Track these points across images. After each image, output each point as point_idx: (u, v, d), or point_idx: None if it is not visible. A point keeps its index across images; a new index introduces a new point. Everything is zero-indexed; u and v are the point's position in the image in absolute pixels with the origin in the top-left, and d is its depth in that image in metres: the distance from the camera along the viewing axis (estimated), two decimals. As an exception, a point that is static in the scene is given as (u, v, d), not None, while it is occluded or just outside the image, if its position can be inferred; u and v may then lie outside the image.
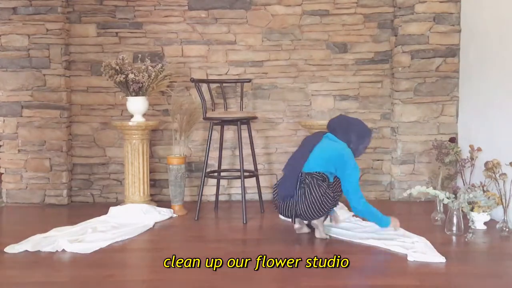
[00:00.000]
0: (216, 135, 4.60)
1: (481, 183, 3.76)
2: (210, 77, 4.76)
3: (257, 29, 4.80)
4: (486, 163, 3.61)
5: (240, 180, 4.08)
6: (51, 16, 4.59)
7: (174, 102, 4.42)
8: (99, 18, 4.75)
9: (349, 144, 3.48)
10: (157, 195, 4.80)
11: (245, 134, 4.36)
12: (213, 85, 4.62)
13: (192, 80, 4.14)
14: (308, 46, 4.81)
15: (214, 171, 4.49)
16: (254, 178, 4.44)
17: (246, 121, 4.23)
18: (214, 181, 4.61)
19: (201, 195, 4.16)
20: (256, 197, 4.50)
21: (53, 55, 4.60)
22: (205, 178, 4.30)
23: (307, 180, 3.36)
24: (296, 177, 3.38)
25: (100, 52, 4.76)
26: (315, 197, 3.33)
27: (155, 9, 4.78)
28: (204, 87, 4.44)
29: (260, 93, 4.84)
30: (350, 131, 3.49)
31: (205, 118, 4.18)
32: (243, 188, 4.03)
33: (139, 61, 4.44)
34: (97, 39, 4.76)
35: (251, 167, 4.44)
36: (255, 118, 4.36)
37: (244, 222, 3.92)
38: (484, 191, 3.67)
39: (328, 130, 3.59)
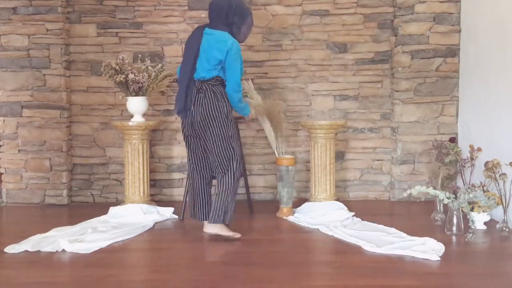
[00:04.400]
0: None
1: (481, 183, 3.76)
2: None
3: (257, 29, 4.78)
4: (486, 163, 3.61)
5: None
6: (51, 16, 4.59)
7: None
8: (99, 18, 4.75)
9: (231, 28, 3.39)
10: (157, 195, 4.80)
11: (245, 133, 4.36)
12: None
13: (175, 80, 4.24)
14: (308, 46, 4.80)
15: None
16: (254, 178, 4.45)
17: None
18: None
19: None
20: (256, 196, 4.50)
21: (53, 55, 4.60)
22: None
23: (204, 87, 3.34)
24: (185, 87, 3.34)
25: (100, 52, 4.75)
26: (211, 101, 3.30)
27: (155, 9, 4.78)
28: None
29: (260, 93, 4.82)
30: (230, 14, 3.37)
31: None
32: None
33: (139, 61, 4.44)
34: (97, 39, 4.76)
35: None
36: (255, 118, 4.35)
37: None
38: (484, 191, 3.67)
39: (209, 18, 3.45)
